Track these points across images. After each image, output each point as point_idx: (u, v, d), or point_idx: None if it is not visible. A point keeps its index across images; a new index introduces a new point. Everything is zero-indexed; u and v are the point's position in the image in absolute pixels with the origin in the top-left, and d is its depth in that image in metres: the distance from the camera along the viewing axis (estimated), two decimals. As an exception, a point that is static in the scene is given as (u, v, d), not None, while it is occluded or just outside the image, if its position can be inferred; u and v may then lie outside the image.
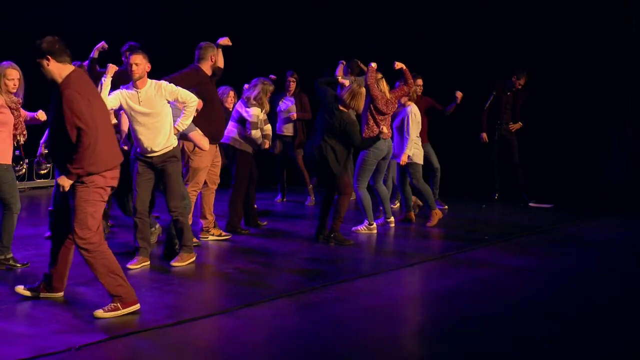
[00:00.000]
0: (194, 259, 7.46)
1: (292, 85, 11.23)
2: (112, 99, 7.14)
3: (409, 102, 9.70)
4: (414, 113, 9.63)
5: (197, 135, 7.84)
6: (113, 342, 5.12)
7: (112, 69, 7.25)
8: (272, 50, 13.90)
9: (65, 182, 5.57)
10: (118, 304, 5.64)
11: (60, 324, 5.56)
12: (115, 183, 5.80)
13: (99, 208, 5.69)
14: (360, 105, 8.58)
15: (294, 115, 11.13)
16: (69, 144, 5.49)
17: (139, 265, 7.19)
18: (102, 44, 8.34)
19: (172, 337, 5.29)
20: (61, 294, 6.08)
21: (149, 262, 7.29)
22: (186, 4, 14.62)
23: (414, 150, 9.70)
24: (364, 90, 8.62)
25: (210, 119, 8.16)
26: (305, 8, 13.73)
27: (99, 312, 5.63)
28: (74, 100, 5.40)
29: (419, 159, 9.82)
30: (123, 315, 5.64)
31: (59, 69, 5.50)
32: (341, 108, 8.47)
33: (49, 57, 5.47)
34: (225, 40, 8.57)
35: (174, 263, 7.35)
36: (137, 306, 5.72)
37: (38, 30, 5.97)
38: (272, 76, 9.97)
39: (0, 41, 11.36)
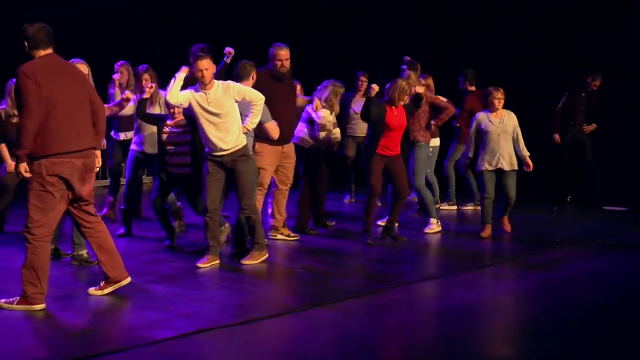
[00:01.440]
0: (265, 257, 7.49)
1: (364, 85, 11.18)
2: (183, 96, 7.26)
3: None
4: None
5: (271, 126, 7.92)
6: (181, 339, 5.16)
7: (186, 69, 7.36)
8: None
9: (18, 167, 5.67)
10: (19, 298, 5.69)
11: (131, 320, 5.67)
12: (62, 172, 5.72)
13: (44, 199, 5.70)
14: (395, 97, 8.41)
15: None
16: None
17: (208, 264, 7.26)
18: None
19: (239, 337, 5.32)
20: (128, 279, 6.13)
21: (218, 261, 7.36)
22: (186, 4, 14.62)
23: None
24: (407, 86, 8.49)
25: (276, 121, 8.14)
26: (305, 8, 13.68)
27: (4, 304, 5.73)
28: (20, 81, 5.64)
29: None
30: (24, 309, 5.66)
31: (35, 53, 5.80)
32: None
33: (26, 42, 5.80)
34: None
35: (244, 261, 7.40)
36: (40, 306, 5.69)
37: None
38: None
39: (0, 41, 11.45)
